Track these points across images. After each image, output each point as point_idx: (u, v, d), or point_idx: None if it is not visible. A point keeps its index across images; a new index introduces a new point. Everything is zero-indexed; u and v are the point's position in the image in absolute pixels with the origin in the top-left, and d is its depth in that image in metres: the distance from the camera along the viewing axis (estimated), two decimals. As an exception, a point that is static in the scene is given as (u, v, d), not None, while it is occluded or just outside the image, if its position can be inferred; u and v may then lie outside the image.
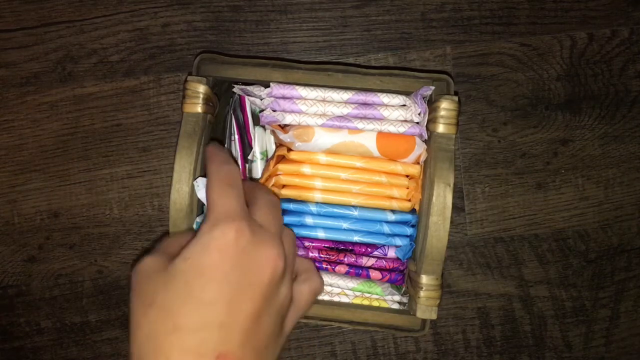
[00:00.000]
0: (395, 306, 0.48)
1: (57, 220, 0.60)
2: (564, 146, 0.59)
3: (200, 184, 0.43)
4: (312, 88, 0.45)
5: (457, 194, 0.60)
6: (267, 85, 0.46)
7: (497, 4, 0.59)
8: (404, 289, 0.48)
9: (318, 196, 0.46)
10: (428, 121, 0.45)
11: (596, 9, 0.59)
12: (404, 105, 0.45)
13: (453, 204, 0.42)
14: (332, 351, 0.61)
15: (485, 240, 0.60)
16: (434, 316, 0.43)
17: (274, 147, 0.54)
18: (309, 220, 0.46)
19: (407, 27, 0.59)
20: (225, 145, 0.52)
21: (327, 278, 0.47)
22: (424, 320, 0.45)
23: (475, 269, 0.60)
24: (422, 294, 0.43)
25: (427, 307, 0.43)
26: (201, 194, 0.43)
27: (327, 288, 0.48)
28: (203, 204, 0.45)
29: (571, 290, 0.60)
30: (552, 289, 0.60)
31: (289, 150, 0.47)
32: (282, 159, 0.47)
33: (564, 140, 0.59)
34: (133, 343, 0.31)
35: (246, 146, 0.53)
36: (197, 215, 0.45)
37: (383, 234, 0.47)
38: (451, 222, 0.42)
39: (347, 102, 0.45)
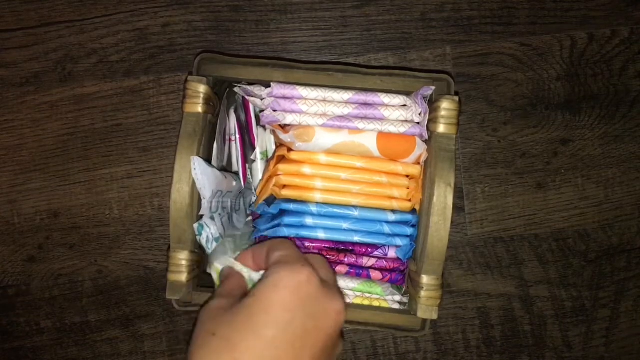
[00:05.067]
0: (396, 306, 0.48)
1: (57, 220, 0.60)
2: (564, 146, 0.59)
3: (197, 162, 0.42)
4: (312, 88, 0.44)
5: (457, 194, 0.60)
6: (267, 85, 0.46)
7: (497, 4, 0.59)
8: (404, 289, 0.48)
9: (318, 196, 0.46)
10: (429, 121, 0.45)
11: (596, 9, 0.59)
12: (405, 105, 0.45)
13: (453, 204, 0.42)
14: (332, 351, 0.61)
15: (485, 240, 0.60)
16: (434, 316, 0.43)
17: (274, 147, 0.54)
18: (309, 220, 0.46)
19: (407, 27, 0.59)
20: (216, 144, 0.51)
21: None
22: (424, 320, 0.45)
23: (475, 269, 0.60)
24: (422, 294, 0.43)
25: (427, 307, 0.43)
26: (196, 174, 0.42)
27: None
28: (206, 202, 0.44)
29: (571, 290, 0.60)
30: (552, 289, 0.60)
31: (289, 150, 0.47)
32: (282, 159, 0.47)
33: (564, 140, 0.59)
34: None
35: (248, 146, 0.53)
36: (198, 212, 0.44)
37: (383, 234, 0.47)
38: (452, 222, 0.42)
39: (347, 102, 0.45)
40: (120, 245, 0.60)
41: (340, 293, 0.35)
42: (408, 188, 0.46)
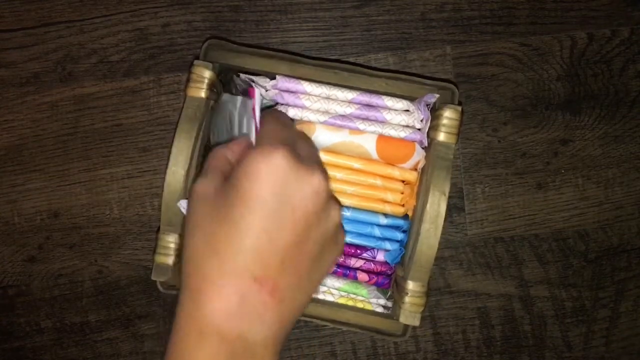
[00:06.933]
0: (380, 309, 0.48)
1: (57, 220, 0.60)
2: (564, 146, 0.59)
3: (185, 205, 0.42)
4: (317, 84, 0.44)
5: (457, 194, 0.60)
6: (272, 77, 0.46)
7: (497, 4, 0.59)
8: (389, 293, 0.48)
9: (312, 194, 0.46)
10: (429, 128, 0.45)
11: (596, 9, 0.59)
12: (407, 110, 0.45)
13: (446, 212, 0.42)
14: (332, 351, 0.61)
15: (485, 240, 0.60)
16: (416, 323, 0.43)
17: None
18: None
19: (407, 27, 0.59)
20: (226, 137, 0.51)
21: None
22: (406, 326, 0.45)
23: (475, 269, 0.60)
24: (407, 299, 0.43)
25: (410, 312, 0.43)
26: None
27: None
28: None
29: (571, 290, 0.60)
30: (552, 289, 0.60)
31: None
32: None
33: (564, 140, 0.59)
34: (182, 262, 0.34)
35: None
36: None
37: (374, 236, 0.46)
38: (443, 230, 0.42)
39: (351, 102, 0.45)
40: (120, 245, 0.60)
41: (318, 166, 0.35)
42: (402, 193, 0.46)
